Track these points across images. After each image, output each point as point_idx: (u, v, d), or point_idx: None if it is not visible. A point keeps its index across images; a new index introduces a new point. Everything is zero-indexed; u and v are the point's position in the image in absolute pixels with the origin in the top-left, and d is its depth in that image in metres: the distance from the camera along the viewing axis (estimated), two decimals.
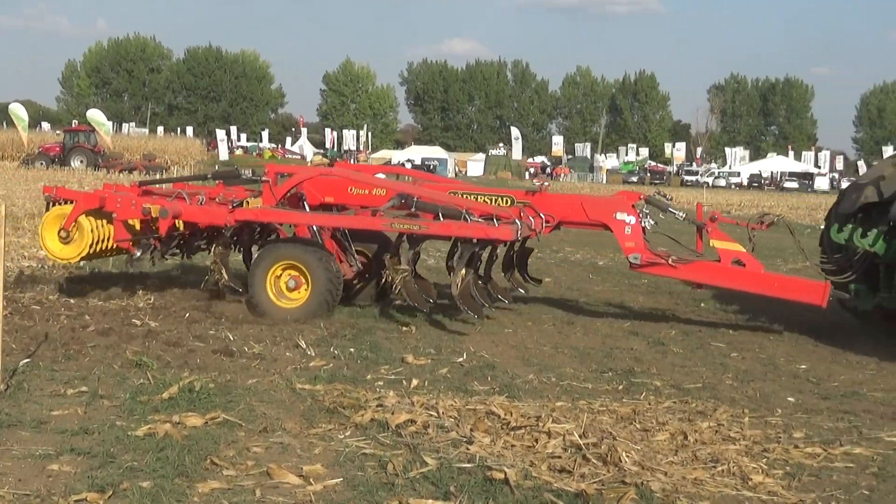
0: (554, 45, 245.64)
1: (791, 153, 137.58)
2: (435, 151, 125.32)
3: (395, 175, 20.89)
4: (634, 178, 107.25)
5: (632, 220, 13.24)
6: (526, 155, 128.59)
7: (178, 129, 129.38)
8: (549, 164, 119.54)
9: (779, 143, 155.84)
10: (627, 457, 7.04)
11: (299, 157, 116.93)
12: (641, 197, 13.93)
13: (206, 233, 13.89)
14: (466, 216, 12.28)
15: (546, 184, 14.45)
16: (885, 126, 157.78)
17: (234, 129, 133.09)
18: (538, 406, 8.59)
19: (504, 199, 13.72)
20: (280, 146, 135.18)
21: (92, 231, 12.77)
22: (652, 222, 13.50)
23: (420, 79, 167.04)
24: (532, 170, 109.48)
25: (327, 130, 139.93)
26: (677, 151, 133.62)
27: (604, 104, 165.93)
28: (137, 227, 13.04)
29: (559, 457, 7.16)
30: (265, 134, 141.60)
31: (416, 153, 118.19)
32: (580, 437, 7.47)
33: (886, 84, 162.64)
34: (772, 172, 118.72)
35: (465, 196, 13.60)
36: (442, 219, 12.39)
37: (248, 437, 7.45)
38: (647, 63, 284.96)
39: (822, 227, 14.55)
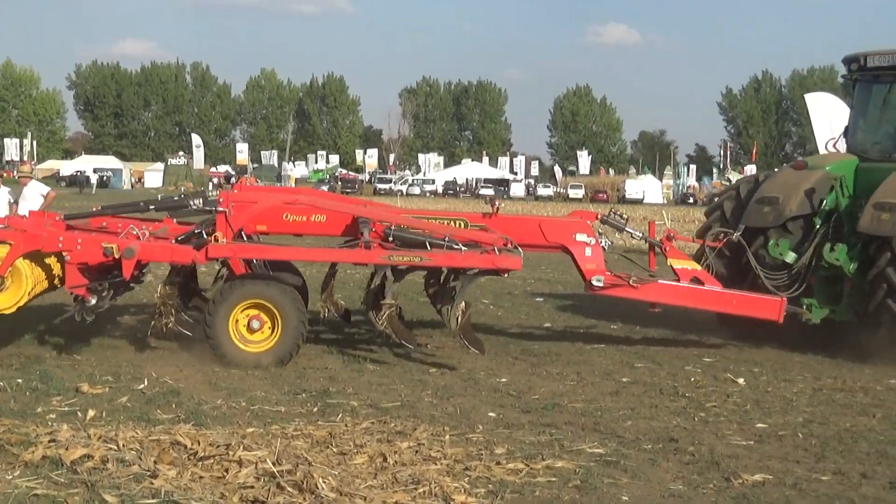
0: (236, 46, 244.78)
1: (486, 159, 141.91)
2: (108, 161, 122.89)
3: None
4: (325, 187, 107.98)
5: (591, 241, 13.31)
6: (209, 164, 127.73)
7: None
8: (233, 173, 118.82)
9: (473, 149, 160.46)
10: (325, 483, 7.07)
11: None
12: (598, 216, 14.04)
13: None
14: (452, 244, 12.27)
15: (501, 205, 14.28)
16: (579, 130, 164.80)
17: None
18: (228, 433, 8.51)
19: (458, 221, 13.54)
20: None
21: (28, 276, 11.45)
22: (609, 242, 13.68)
23: (90, 82, 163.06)
24: (216, 180, 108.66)
25: None
26: (369, 158, 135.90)
27: (291, 109, 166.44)
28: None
29: (252, 486, 7.12)
30: None
31: (88, 163, 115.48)
32: (273, 464, 7.44)
33: (579, 87, 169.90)
34: (467, 179, 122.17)
35: (420, 220, 13.39)
36: (430, 248, 12.29)
37: None
38: (335, 66, 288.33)
39: (702, 240, 14.78)
